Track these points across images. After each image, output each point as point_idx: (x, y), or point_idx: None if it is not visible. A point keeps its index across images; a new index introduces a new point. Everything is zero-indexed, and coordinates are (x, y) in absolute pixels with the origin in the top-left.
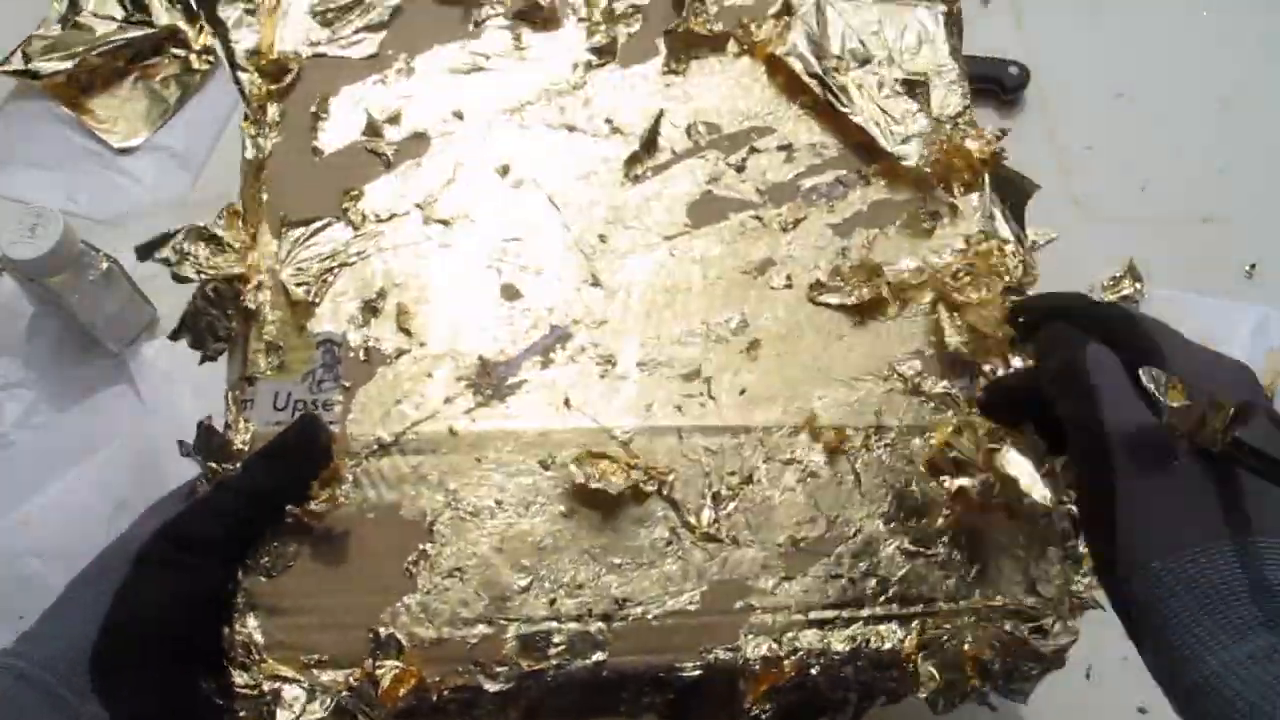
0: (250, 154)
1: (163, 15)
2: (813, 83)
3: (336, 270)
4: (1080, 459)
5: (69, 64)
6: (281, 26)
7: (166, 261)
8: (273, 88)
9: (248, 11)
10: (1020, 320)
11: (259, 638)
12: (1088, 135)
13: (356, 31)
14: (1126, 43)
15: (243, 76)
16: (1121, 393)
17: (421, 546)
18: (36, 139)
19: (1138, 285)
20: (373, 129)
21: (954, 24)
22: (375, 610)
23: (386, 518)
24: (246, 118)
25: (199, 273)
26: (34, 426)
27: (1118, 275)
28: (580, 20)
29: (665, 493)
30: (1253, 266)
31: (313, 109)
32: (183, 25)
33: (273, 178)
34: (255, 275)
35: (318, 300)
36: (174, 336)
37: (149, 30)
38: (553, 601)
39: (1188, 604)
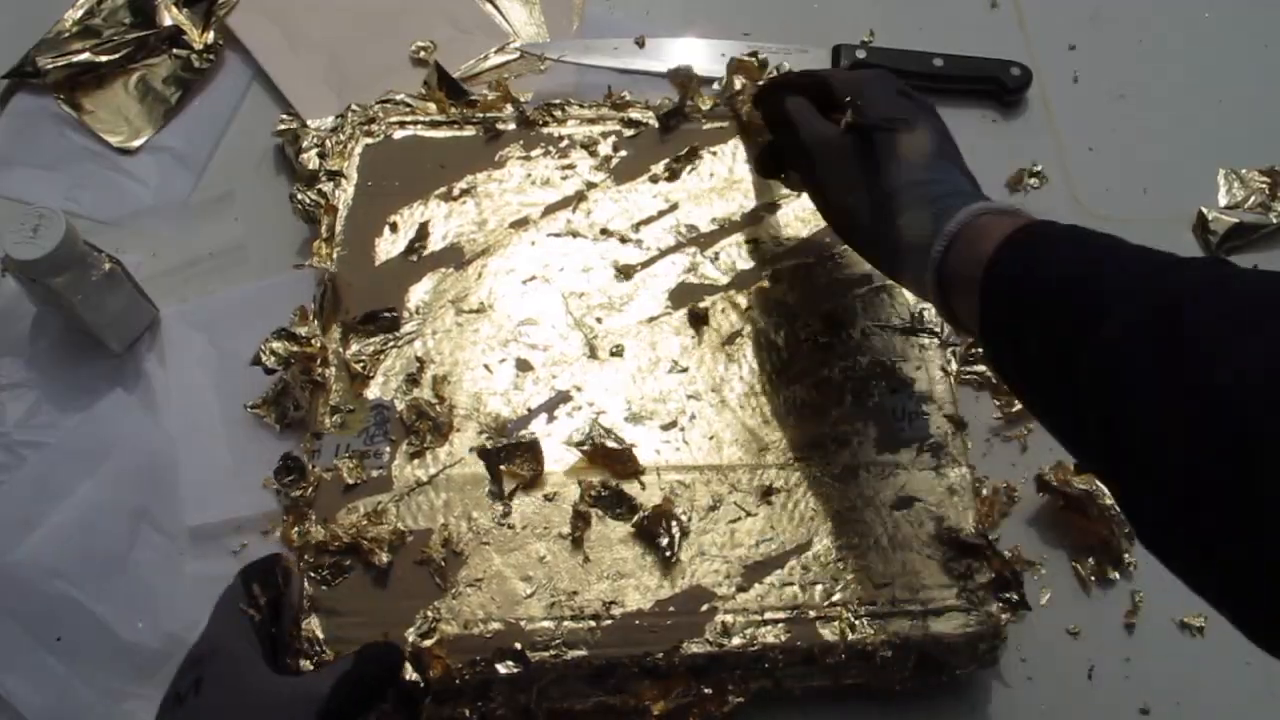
0: (323, 267)
1: (165, 15)
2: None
3: (386, 351)
4: (795, 165)
5: (71, 64)
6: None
7: (257, 357)
8: (338, 212)
9: (320, 155)
10: (763, 99)
11: (320, 633)
12: (1090, 136)
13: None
14: (1128, 43)
15: (307, 199)
16: (811, 118)
17: (448, 563)
18: (38, 139)
19: None
20: (413, 246)
21: None
22: (411, 612)
23: (421, 540)
24: (319, 236)
25: (278, 362)
26: (36, 426)
27: None
28: (583, 148)
29: (644, 519)
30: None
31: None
32: (185, 25)
33: (338, 284)
34: (325, 355)
35: (371, 374)
36: (254, 408)
37: (151, 30)
38: (552, 605)
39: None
